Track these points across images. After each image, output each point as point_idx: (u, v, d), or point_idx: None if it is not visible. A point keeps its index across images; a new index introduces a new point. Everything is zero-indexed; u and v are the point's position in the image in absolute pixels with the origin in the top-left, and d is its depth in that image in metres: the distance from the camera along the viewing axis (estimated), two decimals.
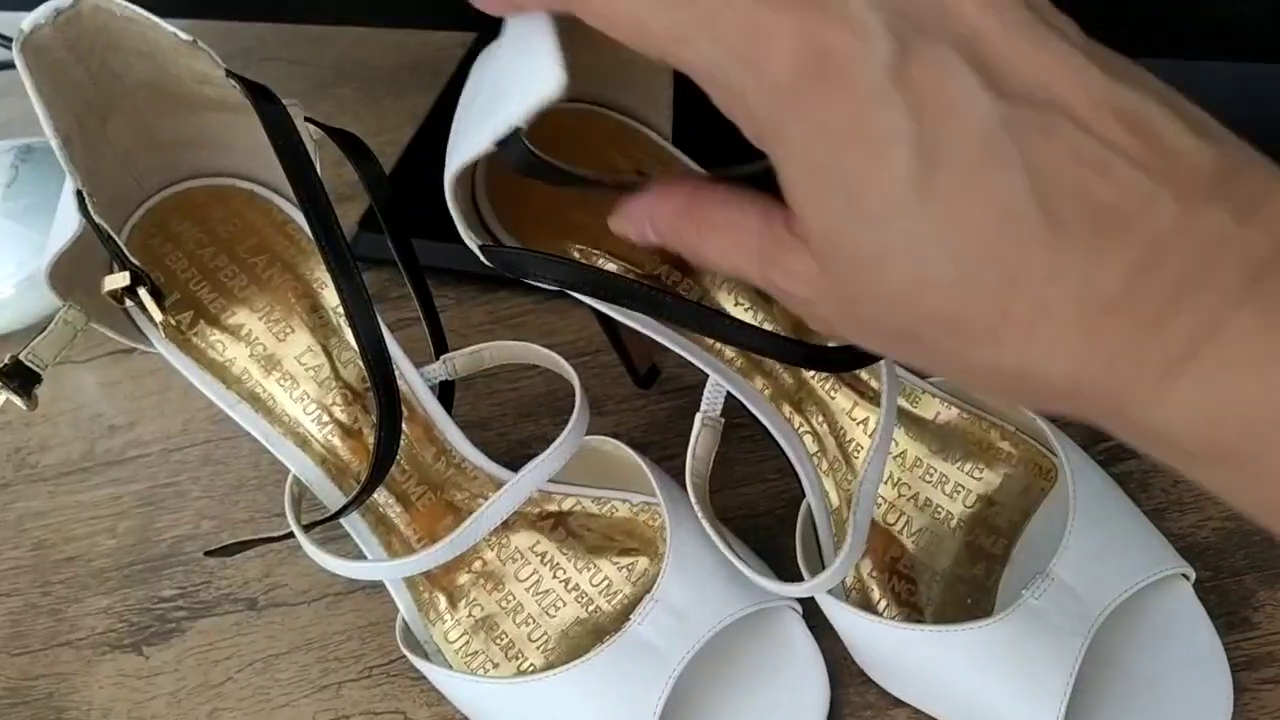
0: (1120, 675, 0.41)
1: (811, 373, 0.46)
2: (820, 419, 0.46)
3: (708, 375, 0.45)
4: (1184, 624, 0.42)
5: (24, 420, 0.63)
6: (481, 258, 0.41)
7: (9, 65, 0.81)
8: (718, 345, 0.46)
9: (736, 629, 0.43)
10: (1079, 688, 0.40)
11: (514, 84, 0.32)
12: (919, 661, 0.42)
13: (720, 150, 0.44)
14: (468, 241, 0.41)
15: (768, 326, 0.46)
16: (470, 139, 0.35)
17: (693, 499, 0.43)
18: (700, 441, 0.44)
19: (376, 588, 0.51)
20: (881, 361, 0.43)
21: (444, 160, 0.43)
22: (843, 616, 0.43)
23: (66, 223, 0.40)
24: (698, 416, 0.44)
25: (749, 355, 0.46)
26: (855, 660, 0.45)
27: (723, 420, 0.45)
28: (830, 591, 0.43)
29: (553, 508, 0.48)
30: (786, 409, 0.46)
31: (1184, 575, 0.43)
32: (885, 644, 0.43)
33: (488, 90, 0.36)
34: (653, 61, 0.39)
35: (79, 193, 0.38)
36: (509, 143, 0.32)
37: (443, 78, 0.72)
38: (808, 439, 0.46)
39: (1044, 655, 0.40)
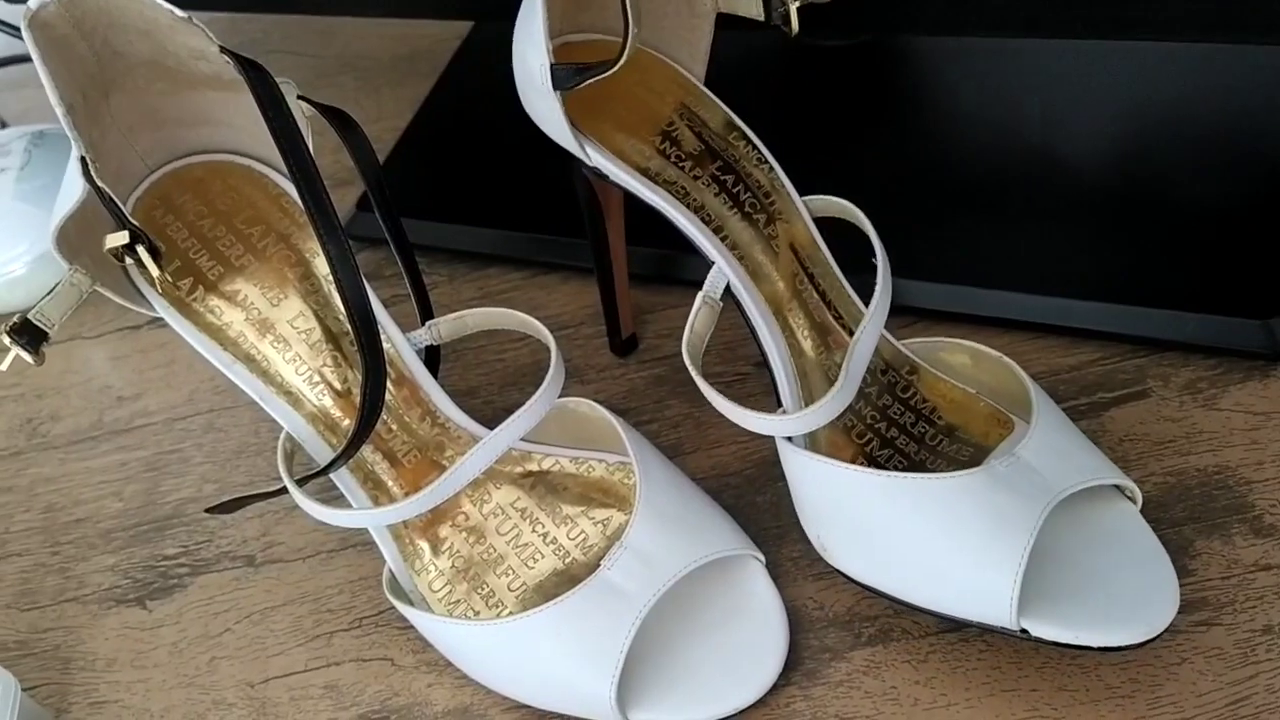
0: (1071, 571, 0.43)
1: (803, 285, 0.50)
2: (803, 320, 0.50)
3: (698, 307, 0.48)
4: (1131, 530, 0.44)
5: (36, 392, 0.66)
6: (546, 80, 0.46)
7: (28, 58, 0.84)
8: (724, 235, 0.50)
9: (702, 577, 0.46)
10: (1031, 579, 0.42)
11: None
12: (881, 514, 0.44)
13: (743, 100, 0.52)
14: (535, 57, 0.46)
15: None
16: None
17: (688, 362, 0.46)
18: (699, 317, 0.48)
19: (367, 545, 0.54)
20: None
21: (442, 144, 0.48)
22: (809, 466, 0.46)
23: (72, 188, 0.42)
24: (699, 295, 0.48)
25: (753, 255, 0.51)
26: (811, 535, 0.48)
27: (721, 303, 0.48)
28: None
29: (533, 467, 0.51)
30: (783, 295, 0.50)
31: (1130, 498, 0.45)
32: (849, 495, 0.45)
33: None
34: (699, 12, 0.49)
35: (83, 158, 0.41)
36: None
37: (439, 67, 0.75)
38: (801, 356, 0.49)
39: (1008, 513, 0.42)
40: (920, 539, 0.43)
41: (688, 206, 0.50)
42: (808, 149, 0.62)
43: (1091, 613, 0.42)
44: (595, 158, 0.49)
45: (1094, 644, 0.41)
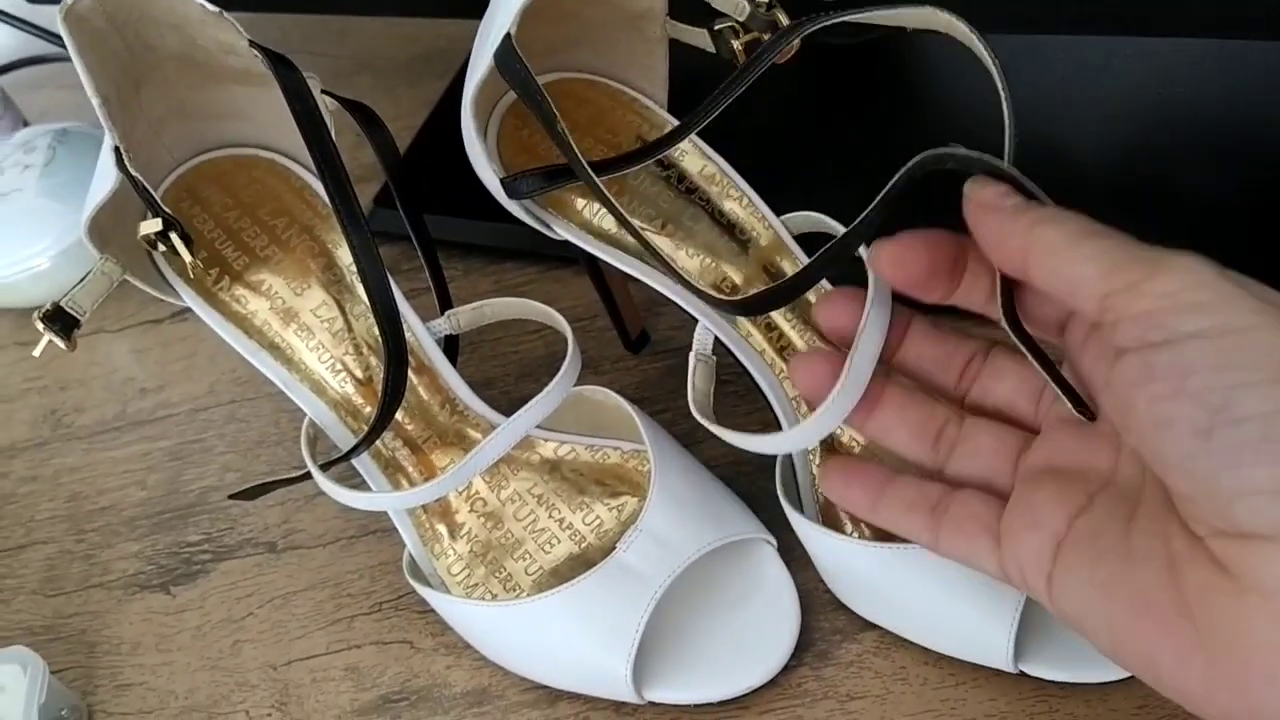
0: None
1: (789, 322, 0.50)
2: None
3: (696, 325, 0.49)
4: None
5: (59, 384, 0.67)
6: (500, 193, 0.47)
7: (49, 59, 0.85)
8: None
9: (715, 560, 0.47)
10: (1031, 612, 0.43)
11: (499, 4, 0.40)
12: (885, 580, 0.45)
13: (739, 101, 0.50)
14: (486, 175, 0.47)
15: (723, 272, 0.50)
16: (478, 60, 0.44)
17: (698, 416, 0.46)
18: (697, 374, 0.48)
19: (386, 532, 0.55)
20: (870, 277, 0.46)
21: (456, 142, 0.49)
22: (817, 538, 0.47)
23: (104, 178, 0.44)
24: (691, 354, 0.48)
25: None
26: (827, 585, 0.49)
27: (714, 357, 0.49)
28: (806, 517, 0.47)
29: (549, 453, 0.52)
30: (769, 354, 0.50)
31: None
32: (855, 564, 0.46)
33: (484, 21, 0.44)
34: (651, 38, 0.48)
35: (116, 149, 0.42)
36: (505, 53, 0.40)
37: (454, 66, 0.76)
38: (787, 384, 0.50)
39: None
40: (922, 602, 0.45)
41: (663, 271, 0.49)
42: (808, 149, 0.63)
43: (1087, 648, 0.43)
44: (562, 234, 0.49)
45: (1091, 680, 0.43)
